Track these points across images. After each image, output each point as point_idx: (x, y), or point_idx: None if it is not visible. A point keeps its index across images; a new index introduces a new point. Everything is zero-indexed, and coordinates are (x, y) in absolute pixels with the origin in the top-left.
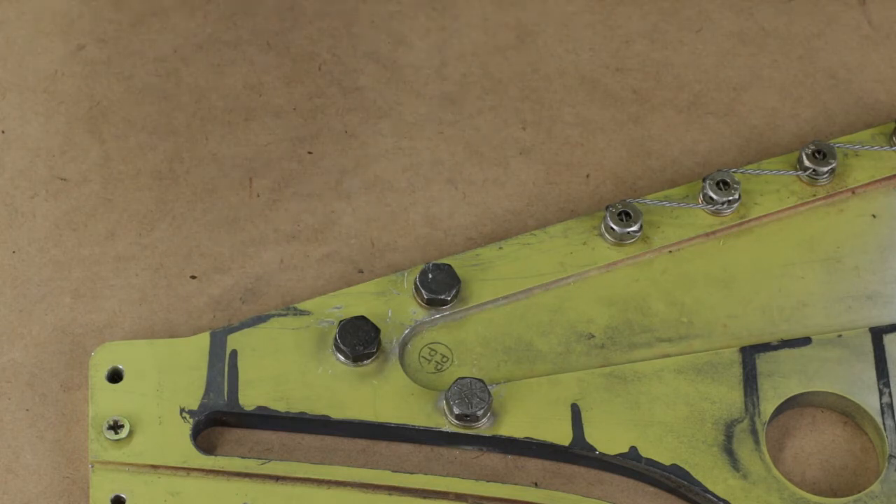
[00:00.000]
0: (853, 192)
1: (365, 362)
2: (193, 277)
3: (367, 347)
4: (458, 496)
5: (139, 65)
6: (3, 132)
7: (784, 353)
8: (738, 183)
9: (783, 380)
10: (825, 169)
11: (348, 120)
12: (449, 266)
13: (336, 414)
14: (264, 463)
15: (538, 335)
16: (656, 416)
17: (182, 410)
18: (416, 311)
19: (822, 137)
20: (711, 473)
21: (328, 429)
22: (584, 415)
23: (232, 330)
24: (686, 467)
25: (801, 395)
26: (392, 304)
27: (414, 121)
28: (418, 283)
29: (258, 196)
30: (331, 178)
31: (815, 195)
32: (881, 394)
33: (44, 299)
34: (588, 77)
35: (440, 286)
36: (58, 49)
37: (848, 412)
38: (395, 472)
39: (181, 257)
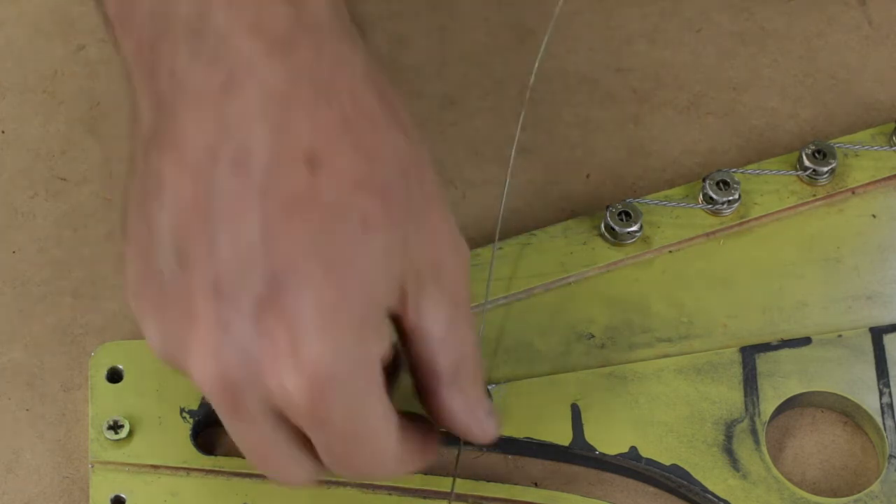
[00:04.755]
0: (853, 192)
1: None
2: None
3: None
4: (459, 496)
5: None
6: (3, 132)
7: (784, 353)
8: (738, 183)
9: (783, 380)
10: (825, 169)
11: None
12: None
13: None
14: None
15: (538, 335)
16: (656, 416)
17: (182, 410)
18: None
19: (822, 137)
20: (711, 473)
21: None
22: (584, 415)
23: None
24: (686, 467)
25: (801, 395)
26: None
27: (414, 121)
28: None
29: None
30: None
31: (815, 195)
32: (881, 394)
33: (44, 299)
34: (588, 77)
35: None
36: (58, 49)
37: (848, 412)
38: None
39: None
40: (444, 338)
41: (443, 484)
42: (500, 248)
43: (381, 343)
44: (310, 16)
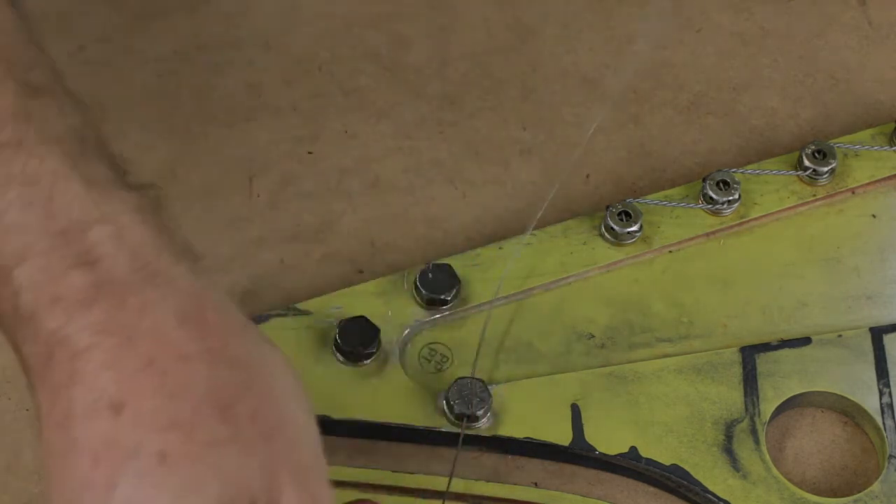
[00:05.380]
0: (853, 192)
1: (365, 362)
2: None
3: (368, 347)
4: (458, 496)
5: (139, 65)
6: None
7: (784, 353)
8: (738, 183)
9: (783, 380)
10: (825, 169)
11: (348, 120)
12: (449, 266)
13: (336, 414)
14: None
15: (538, 335)
16: (656, 416)
17: None
18: (416, 311)
19: (822, 137)
20: (711, 473)
21: (328, 429)
22: (584, 415)
23: None
24: (686, 467)
25: (801, 395)
26: (392, 304)
27: (414, 121)
28: (418, 283)
29: (258, 196)
30: (331, 178)
31: (815, 195)
32: (881, 394)
33: None
34: (588, 77)
35: (440, 286)
36: (58, 49)
37: (848, 412)
38: (395, 472)
39: None
40: None
41: (443, 484)
42: (501, 248)
43: None
44: (106, 273)
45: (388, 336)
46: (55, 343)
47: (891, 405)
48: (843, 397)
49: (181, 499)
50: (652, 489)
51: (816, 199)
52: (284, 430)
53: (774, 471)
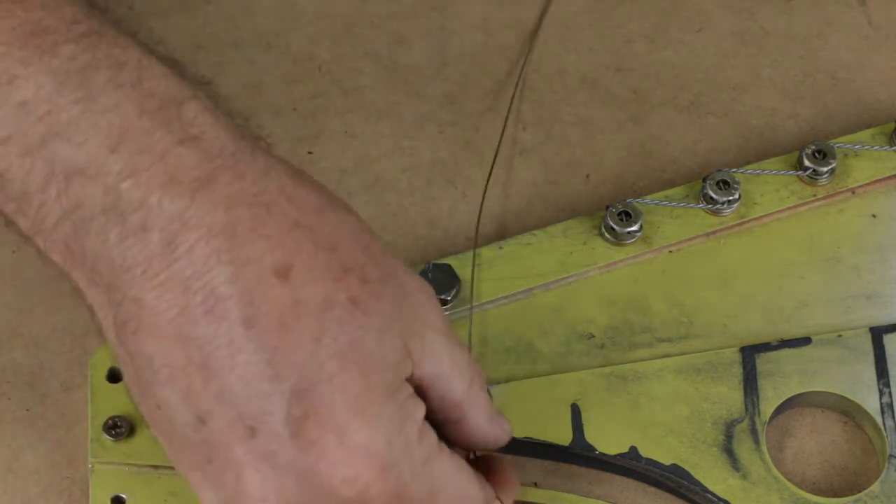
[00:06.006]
0: (853, 192)
1: None
2: None
3: None
4: None
5: None
6: None
7: (784, 353)
8: (738, 183)
9: (783, 380)
10: (825, 169)
11: (348, 120)
12: (449, 266)
13: None
14: None
15: (538, 335)
16: (656, 416)
17: None
18: None
19: (822, 137)
20: (711, 473)
21: None
22: (584, 415)
23: None
24: (686, 467)
25: (801, 395)
26: None
27: (414, 121)
28: None
29: None
30: (331, 178)
31: (815, 195)
32: (881, 394)
33: (44, 299)
34: (588, 77)
35: (440, 286)
36: None
37: (848, 412)
38: None
39: None
40: (451, 370)
41: None
42: (501, 248)
43: (419, 403)
44: (213, 147)
45: None
46: (180, 227)
47: (891, 405)
48: (843, 397)
49: (382, 337)
50: (652, 489)
51: (816, 199)
52: (399, 261)
53: (774, 471)
